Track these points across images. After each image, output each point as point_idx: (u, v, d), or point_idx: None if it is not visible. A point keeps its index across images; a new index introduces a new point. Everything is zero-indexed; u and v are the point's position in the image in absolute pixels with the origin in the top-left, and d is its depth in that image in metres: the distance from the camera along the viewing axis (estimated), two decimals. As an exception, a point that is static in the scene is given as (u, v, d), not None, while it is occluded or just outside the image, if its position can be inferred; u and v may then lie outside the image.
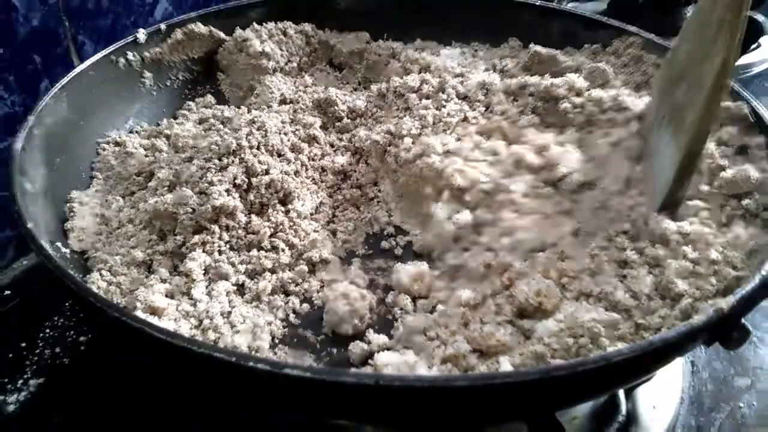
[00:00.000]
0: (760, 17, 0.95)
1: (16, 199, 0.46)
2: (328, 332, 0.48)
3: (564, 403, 0.41)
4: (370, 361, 0.43)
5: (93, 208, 0.56)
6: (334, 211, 0.60)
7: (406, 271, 0.50)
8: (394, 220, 0.58)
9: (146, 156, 0.62)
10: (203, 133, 0.59)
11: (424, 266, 0.51)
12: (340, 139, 0.66)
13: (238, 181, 0.54)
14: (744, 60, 0.96)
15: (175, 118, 0.70)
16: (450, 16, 0.80)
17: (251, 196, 0.54)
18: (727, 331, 0.38)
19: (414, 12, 0.81)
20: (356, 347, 0.45)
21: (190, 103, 0.72)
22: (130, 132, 0.67)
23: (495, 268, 0.48)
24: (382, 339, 0.45)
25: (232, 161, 0.55)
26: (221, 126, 0.62)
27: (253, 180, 0.55)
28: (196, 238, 0.51)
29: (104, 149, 0.62)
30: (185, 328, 0.45)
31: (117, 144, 0.63)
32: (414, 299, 0.49)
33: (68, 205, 0.55)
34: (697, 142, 0.45)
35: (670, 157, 0.47)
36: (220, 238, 0.52)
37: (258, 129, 0.58)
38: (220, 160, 0.55)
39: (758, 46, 0.99)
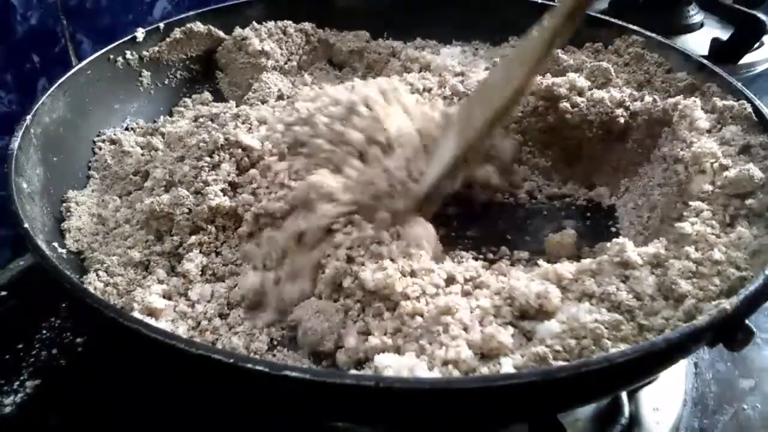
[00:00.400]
0: (762, 16, 0.94)
1: (13, 198, 0.46)
2: (307, 354, 0.45)
3: (566, 405, 0.41)
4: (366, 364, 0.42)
5: (90, 208, 0.55)
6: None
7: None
8: None
9: (143, 155, 0.61)
10: (195, 131, 0.58)
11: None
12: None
13: (230, 179, 0.53)
14: (747, 59, 0.95)
15: (171, 115, 0.69)
16: (450, 15, 0.80)
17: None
18: (730, 332, 0.38)
19: (414, 10, 0.81)
20: (341, 354, 0.43)
21: (187, 99, 0.72)
22: (126, 129, 0.66)
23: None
24: (374, 341, 0.43)
25: (223, 157, 0.54)
26: (210, 122, 0.62)
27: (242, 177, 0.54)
28: (193, 239, 0.51)
29: (101, 148, 0.62)
30: (182, 329, 0.45)
31: (113, 142, 0.63)
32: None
33: (65, 205, 0.54)
34: (463, 156, 0.53)
35: (446, 158, 0.53)
36: (216, 239, 0.52)
37: (243, 123, 0.57)
38: (210, 157, 0.54)
39: (761, 45, 0.98)
